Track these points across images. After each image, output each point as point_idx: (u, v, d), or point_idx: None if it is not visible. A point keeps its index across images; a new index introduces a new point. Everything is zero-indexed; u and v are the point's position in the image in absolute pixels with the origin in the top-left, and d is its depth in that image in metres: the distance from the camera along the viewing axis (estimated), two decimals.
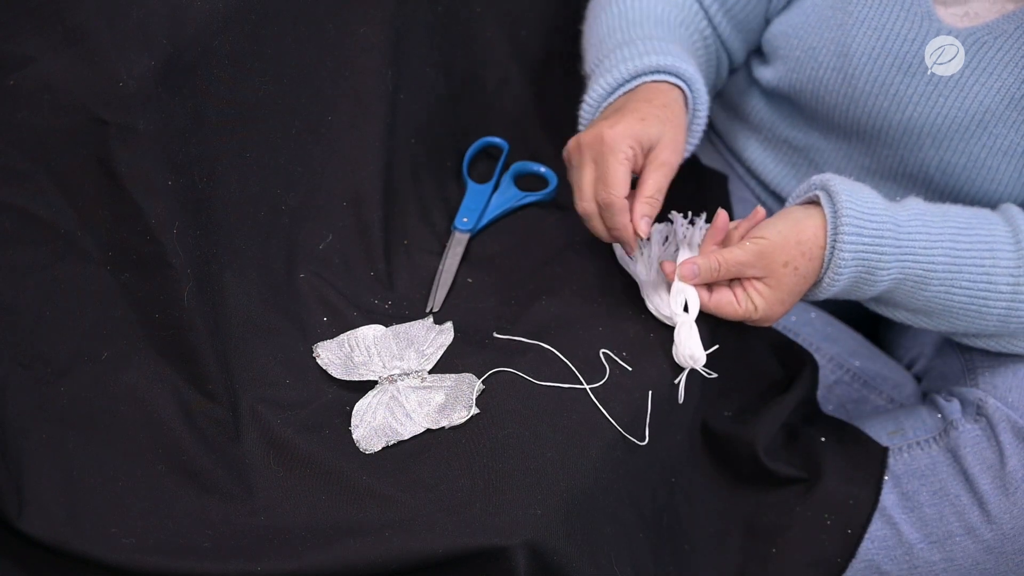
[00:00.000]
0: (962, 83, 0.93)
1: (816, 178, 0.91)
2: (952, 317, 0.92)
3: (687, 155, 0.97)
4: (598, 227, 0.89)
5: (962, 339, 0.97)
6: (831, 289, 0.89)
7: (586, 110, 0.97)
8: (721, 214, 0.91)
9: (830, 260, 0.88)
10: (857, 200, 0.88)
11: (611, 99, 0.94)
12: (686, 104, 0.95)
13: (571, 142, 0.91)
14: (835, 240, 0.87)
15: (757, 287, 0.89)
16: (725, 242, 0.91)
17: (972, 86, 0.93)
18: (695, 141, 0.99)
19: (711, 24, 1.06)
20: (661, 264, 0.90)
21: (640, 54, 0.94)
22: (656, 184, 0.87)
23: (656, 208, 0.87)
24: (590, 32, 1.04)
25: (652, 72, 0.93)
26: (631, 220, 0.86)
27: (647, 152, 0.88)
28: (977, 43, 0.92)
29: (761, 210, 0.91)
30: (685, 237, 0.94)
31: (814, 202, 0.91)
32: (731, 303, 0.89)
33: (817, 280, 0.90)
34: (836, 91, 0.99)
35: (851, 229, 0.86)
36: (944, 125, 0.95)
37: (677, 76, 0.94)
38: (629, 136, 0.86)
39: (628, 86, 0.93)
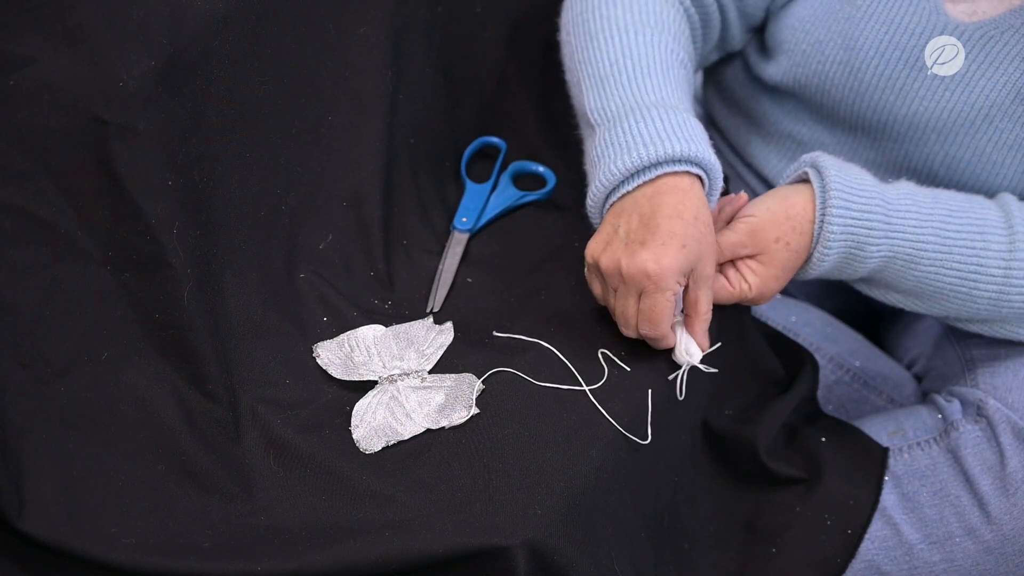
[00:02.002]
0: (968, 78, 0.93)
1: (806, 156, 0.92)
2: (943, 299, 0.92)
3: None
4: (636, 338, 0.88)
5: (955, 323, 0.97)
6: (821, 265, 0.89)
7: (598, 190, 0.88)
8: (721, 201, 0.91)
9: (819, 234, 0.88)
10: (846, 176, 0.88)
11: (628, 187, 0.86)
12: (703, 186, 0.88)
13: (608, 263, 0.84)
14: (824, 214, 0.88)
15: (750, 265, 0.89)
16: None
17: (978, 81, 0.93)
18: None
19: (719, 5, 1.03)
20: None
21: (660, 136, 0.85)
22: (707, 301, 0.86)
23: (709, 318, 0.87)
24: (584, 52, 0.94)
25: (674, 161, 0.85)
26: (697, 341, 0.87)
27: (690, 275, 0.85)
28: (984, 38, 0.92)
29: (744, 194, 0.92)
30: None
31: (804, 180, 0.91)
32: (724, 286, 0.90)
33: (807, 256, 0.90)
34: (842, 85, 0.99)
35: (839, 203, 0.87)
36: (950, 120, 0.95)
37: (699, 166, 0.86)
38: (676, 272, 0.82)
39: (648, 175, 0.85)
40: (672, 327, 0.87)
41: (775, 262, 0.89)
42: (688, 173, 0.85)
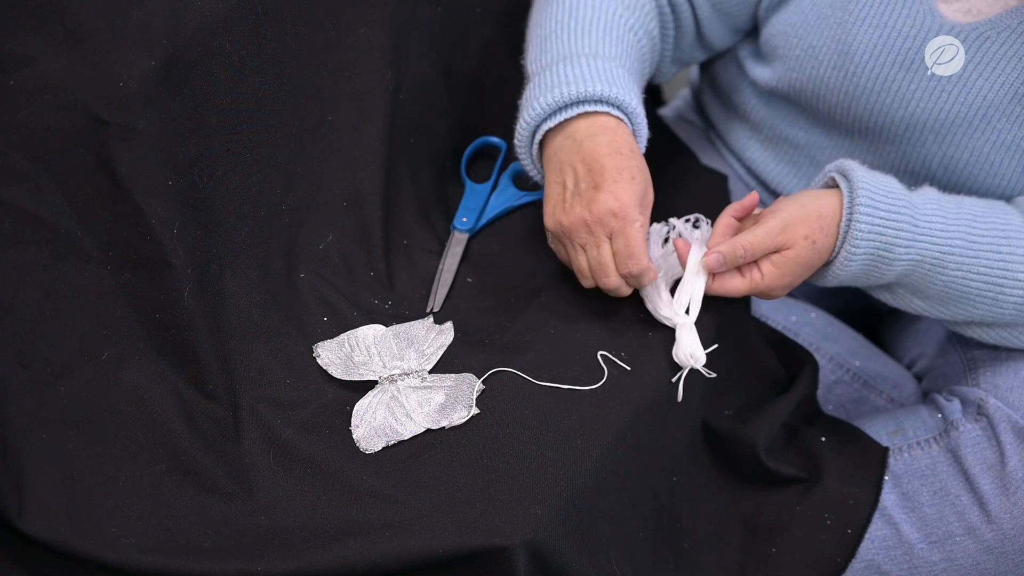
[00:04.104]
0: (964, 79, 0.93)
1: (831, 164, 0.92)
2: (969, 305, 0.91)
3: None
4: (625, 292, 0.89)
5: (977, 329, 0.96)
6: (848, 267, 0.89)
7: (523, 128, 0.91)
8: (751, 196, 0.91)
9: (846, 234, 0.88)
10: (873, 180, 0.89)
11: (551, 123, 0.90)
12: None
13: (571, 219, 0.87)
14: (851, 214, 0.87)
15: (771, 258, 0.89)
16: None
17: (975, 81, 0.93)
18: None
19: (689, 2, 1.04)
20: (675, 243, 0.90)
21: (582, 78, 0.89)
22: (646, 227, 0.88)
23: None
24: (537, 19, 0.99)
25: (596, 101, 0.89)
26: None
27: None
28: (980, 39, 0.92)
29: (755, 193, 0.92)
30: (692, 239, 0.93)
31: (831, 186, 0.91)
32: (734, 276, 0.89)
33: (832, 258, 0.89)
34: (837, 89, 0.99)
35: (867, 202, 0.87)
36: (947, 121, 0.95)
37: (620, 109, 0.90)
38: (636, 203, 0.85)
39: (569, 112, 0.89)
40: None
41: (798, 258, 0.88)
42: (610, 115, 0.89)
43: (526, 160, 0.94)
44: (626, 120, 0.90)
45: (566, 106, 0.89)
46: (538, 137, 0.91)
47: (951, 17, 0.94)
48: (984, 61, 0.93)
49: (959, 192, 0.99)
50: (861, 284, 0.93)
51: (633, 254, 0.85)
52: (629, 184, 0.85)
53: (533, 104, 0.90)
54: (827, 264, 0.90)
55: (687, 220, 0.94)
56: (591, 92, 0.88)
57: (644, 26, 1.00)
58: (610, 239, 0.86)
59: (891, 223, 0.87)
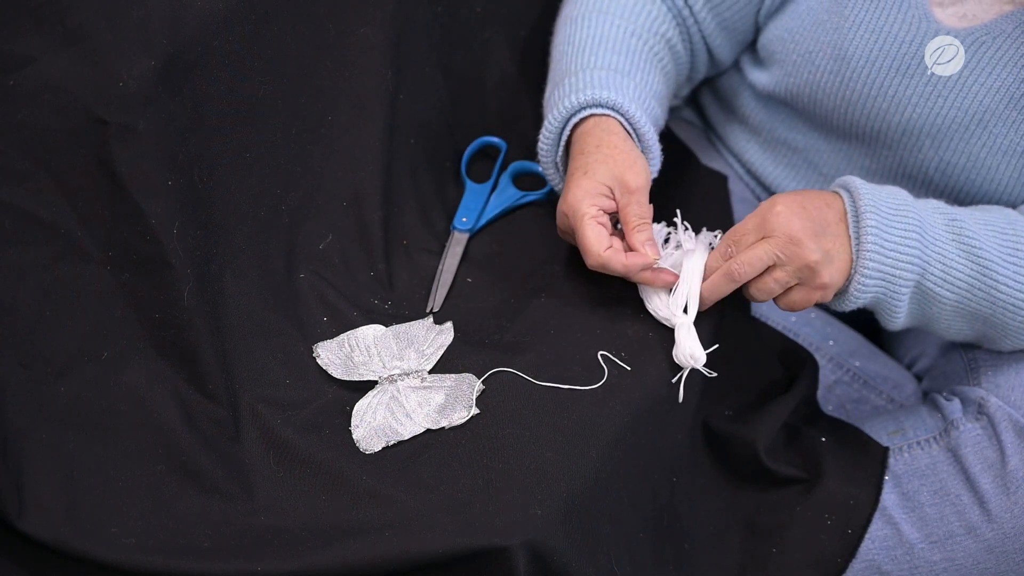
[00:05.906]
0: (961, 83, 0.93)
1: (835, 182, 0.92)
2: (996, 273, 0.88)
3: (655, 167, 0.96)
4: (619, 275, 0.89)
5: (1010, 321, 0.92)
6: (870, 232, 0.85)
7: (543, 159, 0.96)
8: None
9: (854, 207, 0.87)
10: (873, 185, 0.89)
11: (560, 153, 0.94)
12: (630, 125, 0.93)
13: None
14: (853, 200, 0.87)
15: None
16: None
17: (971, 86, 0.93)
18: (655, 155, 0.96)
19: (695, 20, 1.05)
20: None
21: (565, 94, 0.93)
22: (635, 211, 0.88)
23: (648, 228, 0.88)
24: (551, 55, 1.03)
25: (580, 109, 0.92)
26: (636, 252, 0.86)
27: (615, 193, 0.88)
28: (976, 43, 0.93)
29: None
30: (691, 249, 0.91)
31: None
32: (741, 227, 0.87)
33: (858, 242, 0.86)
34: (833, 94, 0.99)
35: (864, 189, 0.87)
36: (944, 125, 0.95)
37: (602, 107, 0.92)
38: (583, 197, 0.87)
39: (563, 137, 0.93)
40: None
41: (797, 192, 0.88)
42: (592, 116, 0.92)
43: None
44: (611, 113, 0.92)
45: (560, 131, 0.94)
46: (561, 174, 0.96)
47: (946, 22, 0.94)
48: (980, 66, 0.93)
49: (956, 197, 0.99)
50: (900, 272, 0.87)
51: (585, 250, 0.86)
52: (579, 182, 0.88)
53: (540, 144, 0.95)
54: (860, 240, 0.86)
55: (687, 230, 0.93)
56: (571, 105, 0.92)
57: (651, 30, 1.01)
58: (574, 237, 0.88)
59: (889, 196, 0.87)
